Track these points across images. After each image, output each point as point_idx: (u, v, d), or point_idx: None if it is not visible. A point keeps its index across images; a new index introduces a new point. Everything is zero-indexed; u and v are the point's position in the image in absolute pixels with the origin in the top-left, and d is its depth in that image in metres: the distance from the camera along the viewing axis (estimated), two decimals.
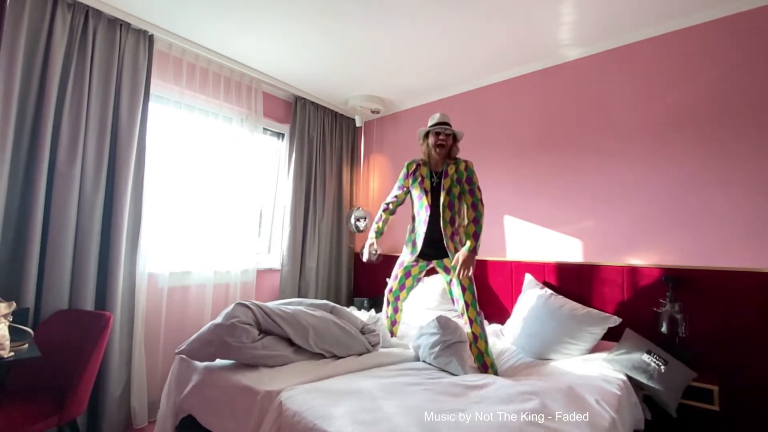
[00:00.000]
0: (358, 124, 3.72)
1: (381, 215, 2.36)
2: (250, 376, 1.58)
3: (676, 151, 2.22)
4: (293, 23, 2.35)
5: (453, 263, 2.03)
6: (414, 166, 2.27)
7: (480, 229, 2.05)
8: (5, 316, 1.46)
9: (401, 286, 2.33)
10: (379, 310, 3.18)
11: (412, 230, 2.26)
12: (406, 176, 2.29)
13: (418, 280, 2.34)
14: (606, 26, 2.32)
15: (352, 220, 3.59)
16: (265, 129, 3.17)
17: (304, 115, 3.32)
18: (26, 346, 1.44)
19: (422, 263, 2.26)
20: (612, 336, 2.14)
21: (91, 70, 2.12)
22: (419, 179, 2.22)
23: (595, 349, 2.14)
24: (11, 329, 1.46)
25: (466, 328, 2.02)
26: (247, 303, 1.75)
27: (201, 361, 1.72)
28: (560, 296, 2.37)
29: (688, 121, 2.19)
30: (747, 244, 1.99)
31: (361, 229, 3.60)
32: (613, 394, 1.58)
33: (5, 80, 1.84)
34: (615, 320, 2.12)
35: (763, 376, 1.87)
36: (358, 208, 3.63)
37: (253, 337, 1.63)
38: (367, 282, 3.68)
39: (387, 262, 3.46)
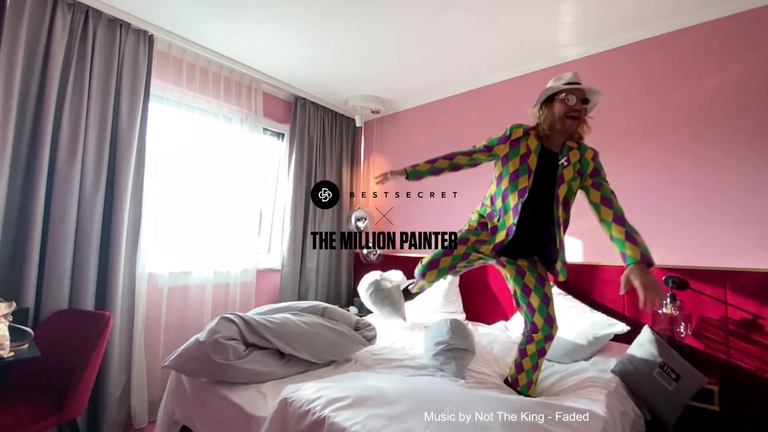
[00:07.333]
0: (358, 124, 3.73)
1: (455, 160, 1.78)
2: (245, 396, 1.51)
3: (675, 151, 2.21)
4: (293, 23, 2.35)
5: (642, 290, 1.31)
6: (521, 132, 1.67)
7: (635, 231, 1.50)
8: (5, 316, 1.46)
9: (452, 265, 1.80)
10: None
11: (491, 216, 1.73)
12: (504, 140, 1.69)
13: (466, 268, 1.87)
14: (606, 26, 2.32)
15: (352, 220, 3.58)
16: (265, 129, 3.17)
17: (304, 115, 3.32)
18: (26, 346, 1.44)
19: (490, 255, 1.75)
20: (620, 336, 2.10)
21: (91, 70, 2.11)
22: (523, 151, 1.63)
23: (603, 350, 2.09)
24: (11, 329, 1.46)
25: (536, 338, 1.67)
26: (231, 316, 1.65)
27: (188, 375, 1.67)
28: (570, 297, 2.36)
29: (688, 122, 2.19)
30: (747, 244, 1.99)
31: (361, 228, 3.60)
32: (608, 397, 1.57)
33: (5, 80, 1.84)
34: (622, 327, 2.03)
35: (763, 376, 1.87)
36: (358, 208, 3.63)
37: (239, 353, 1.54)
38: None
39: (387, 262, 3.47)
